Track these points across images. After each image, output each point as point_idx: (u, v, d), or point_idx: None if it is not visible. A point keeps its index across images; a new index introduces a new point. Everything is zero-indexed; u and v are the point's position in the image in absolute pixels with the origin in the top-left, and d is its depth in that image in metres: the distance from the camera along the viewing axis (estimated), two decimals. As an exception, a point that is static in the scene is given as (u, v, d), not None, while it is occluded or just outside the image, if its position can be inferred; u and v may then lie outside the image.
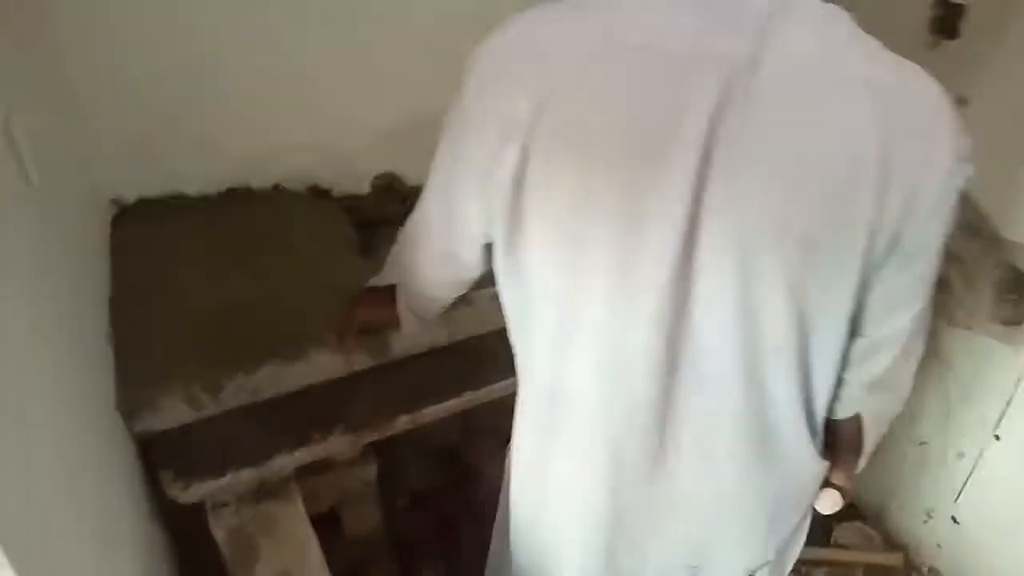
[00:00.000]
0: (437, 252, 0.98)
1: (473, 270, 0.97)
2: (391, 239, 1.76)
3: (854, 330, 0.83)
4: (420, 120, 1.95)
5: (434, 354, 1.51)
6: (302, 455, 1.34)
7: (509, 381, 1.49)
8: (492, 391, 1.49)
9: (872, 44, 0.71)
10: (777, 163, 0.70)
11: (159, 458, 1.28)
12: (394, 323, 1.21)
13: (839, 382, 0.90)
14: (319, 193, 1.94)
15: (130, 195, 1.75)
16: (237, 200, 1.83)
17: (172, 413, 1.27)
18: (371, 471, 1.59)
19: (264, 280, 1.55)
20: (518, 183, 0.77)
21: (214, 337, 1.36)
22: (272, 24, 1.67)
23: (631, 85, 0.71)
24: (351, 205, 1.96)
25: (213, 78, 1.68)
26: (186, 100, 1.68)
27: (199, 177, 1.80)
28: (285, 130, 1.82)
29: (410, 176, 2.04)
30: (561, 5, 0.76)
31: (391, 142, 1.97)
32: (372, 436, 1.41)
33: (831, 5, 0.71)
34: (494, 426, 1.50)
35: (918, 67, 0.72)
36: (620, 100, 0.71)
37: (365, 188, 2.01)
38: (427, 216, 0.97)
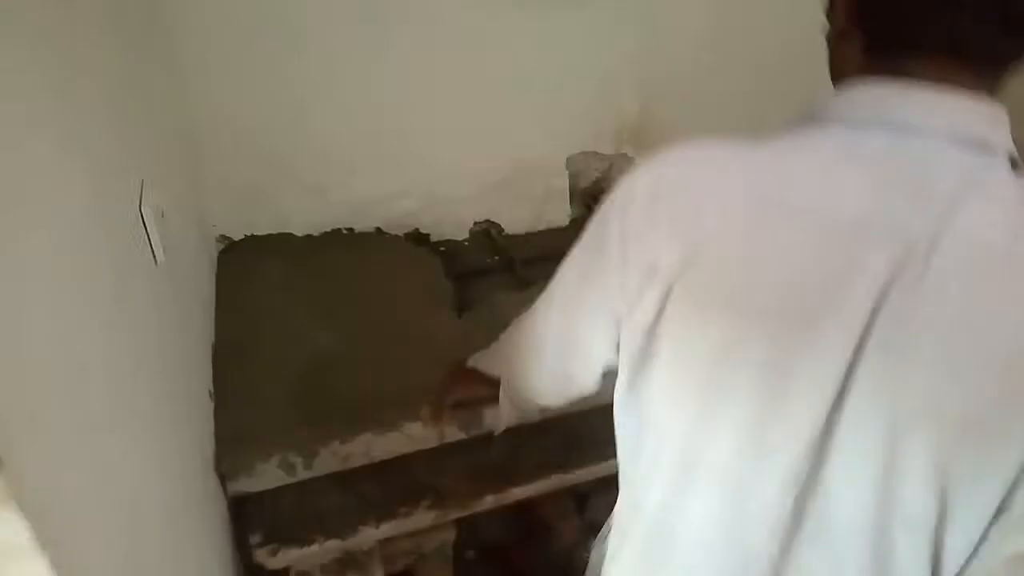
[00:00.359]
0: (550, 370, 0.94)
1: (588, 390, 0.93)
2: (486, 294, 1.76)
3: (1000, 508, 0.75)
4: (520, 170, 1.93)
5: (526, 430, 1.47)
6: (387, 529, 1.33)
7: (600, 466, 1.46)
8: (583, 474, 1.45)
9: None
10: (944, 346, 0.64)
11: (249, 521, 1.29)
12: (490, 402, 1.18)
13: (975, 553, 0.82)
14: (419, 238, 1.93)
15: (237, 233, 1.78)
16: (339, 242, 1.85)
17: (267, 477, 1.28)
18: (451, 534, 1.57)
19: (360, 332, 1.55)
20: (653, 329, 0.73)
21: (311, 397, 1.37)
22: (380, 76, 1.67)
23: (791, 246, 0.66)
24: (449, 251, 1.95)
25: (325, 126, 1.70)
26: (298, 146, 1.70)
27: (305, 218, 1.82)
28: (389, 177, 1.83)
29: (508, 224, 2.02)
30: (727, 145, 0.72)
31: (491, 191, 1.95)
32: (457, 513, 1.38)
33: (1012, 176, 0.64)
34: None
35: None
36: (777, 261, 0.66)
37: (464, 234, 1.99)
38: (544, 333, 0.93)
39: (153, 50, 1.36)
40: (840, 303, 0.65)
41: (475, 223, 2.00)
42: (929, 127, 0.62)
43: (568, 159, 1.97)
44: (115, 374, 0.79)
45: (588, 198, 2.06)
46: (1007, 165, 0.64)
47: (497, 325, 1.61)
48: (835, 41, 0.70)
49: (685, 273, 0.69)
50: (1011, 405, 0.65)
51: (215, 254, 1.73)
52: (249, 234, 1.79)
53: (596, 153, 1.99)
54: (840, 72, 0.70)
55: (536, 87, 1.79)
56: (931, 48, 0.62)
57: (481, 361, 1.20)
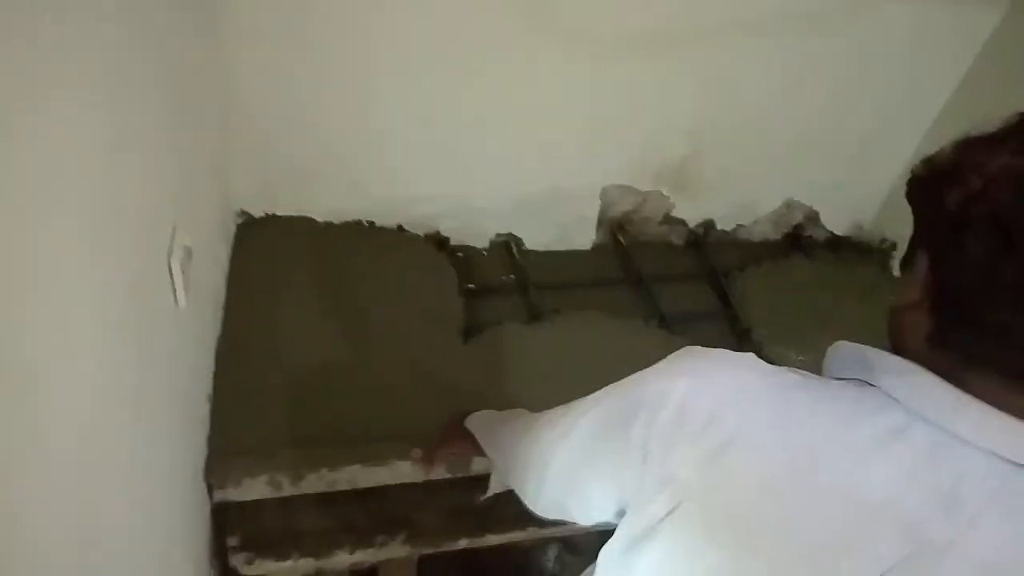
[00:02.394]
0: (547, 495, 0.95)
1: (581, 524, 0.94)
2: (495, 317, 1.75)
3: None
4: (554, 194, 1.90)
5: (510, 477, 1.49)
6: (361, 556, 1.36)
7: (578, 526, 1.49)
8: (558, 530, 1.48)
9: None
10: None
11: (230, 527, 1.32)
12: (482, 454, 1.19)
13: None
14: (439, 241, 1.91)
15: (258, 210, 1.75)
16: (359, 234, 1.82)
17: (253, 491, 1.30)
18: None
19: (366, 343, 1.55)
20: (656, 526, 0.74)
21: (306, 417, 1.38)
22: (433, 86, 1.62)
23: (803, 508, 0.65)
24: (466, 257, 1.93)
25: (367, 118, 1.65)
26: (335, 133, 1.66)
27: (329, 205, 1.79)
28: (421, 178, 1.79)
29: (529, 241, 1.99)
30: (769, 373, 0.70)
31: (519, 208, 1.92)
32: (430, 549, 1.42)
33: None
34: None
35: None
36: (786, 518, 0.66)
37: (484, 243, 1.97)
38: (549, 461, 0.93)
39: (196, 25, 1.30)
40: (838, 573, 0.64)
41: (497, 234, 1.97)
42: (976, 442, 0.61)
43: (603, 189, 1.93)
44: (124, 388, 0.80)
45: (615, 227, 2.03)
46: None
47: (501, 361, 1.63)
48: (903, 307, 0.67)
49: (698, 495, 0.68)
50: None
51: (233, 229, 1.71)
52: (270, 213, 1.77)
53: (632, 188, 1.95)
54: (899, 338, 0.68)
55: (584, 122, 1.75)
56: (1000, 370, 0.60)
57: (479, 433, 1.20)
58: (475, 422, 1.23)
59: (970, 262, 0.60)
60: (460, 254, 1.94)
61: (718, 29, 1.65)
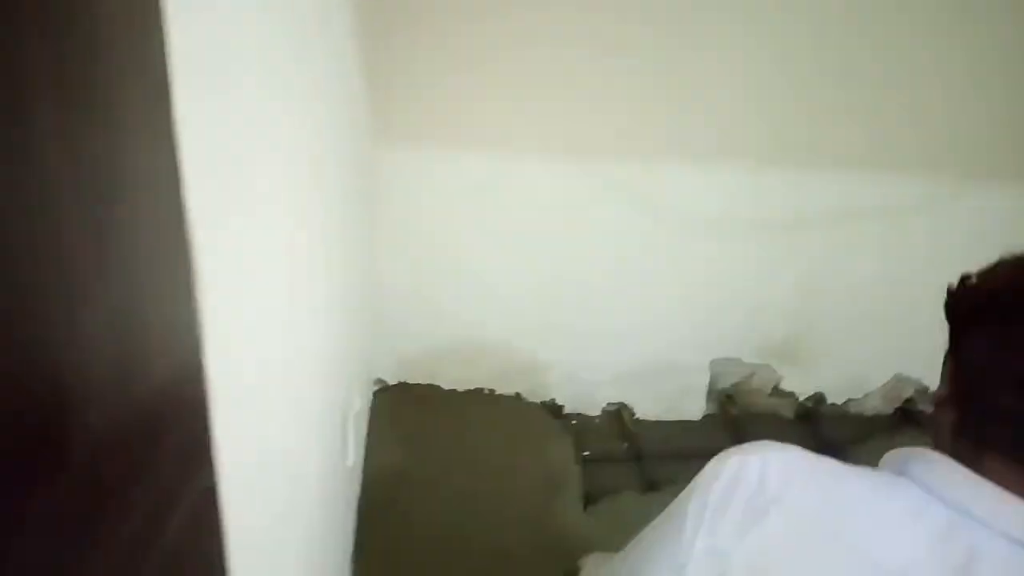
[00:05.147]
0: None
1: None
2: (612, 485, 1.80)
3: None
4: (661, 365, 2.00)
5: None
6: None
7: None
8: None
9: None
10: None
11: None
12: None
13: None
14: (554, 409, 2.02)
15: (392, 379, 1.93)
16: (481, 401, 1.95)
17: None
18: None
19: (489, 509, 1.63)
20: None
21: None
22: (559, 270, 1.80)
23: (828, 568, 0.68)
24: (580, 425, 2.02)
25: (487, 301, 1.84)
26: (457, 313, 1.85)
27: (455, 373, 1.95)
28: (535, 353, 1.93)
29: (640, 411, 2.07)
30: (814, 460, 0.75)
31: (629, 379, 2.02)
32: None
33: None
34: None
35: None
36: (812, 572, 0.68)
37: (596, 411, 2.06)
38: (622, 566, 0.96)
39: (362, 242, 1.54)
40: None
41: (608, 403, 2.06)
42: (990, 523, 0.64)
43: (712, 361, 2.02)
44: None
45: (724, 398, 2.09)
46: None
47: (621, 529, 1.66)
48: (937, 406, 0.73)
49: (740, 565, 0.71)
50: None
51: (370, 396, 1.88)
52: (402, 381, 1.93)
53: (739, 360, 2.03)
54: (936, 436, 0.73)
55: (693, 299, 1.88)
56: (1010, 452, 0.65)
57: None
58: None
59: (978, 354, 0.68)
60: (574, 421, 2.04)
61: (822, 218, 1.80)
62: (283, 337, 0.69)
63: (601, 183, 1.70)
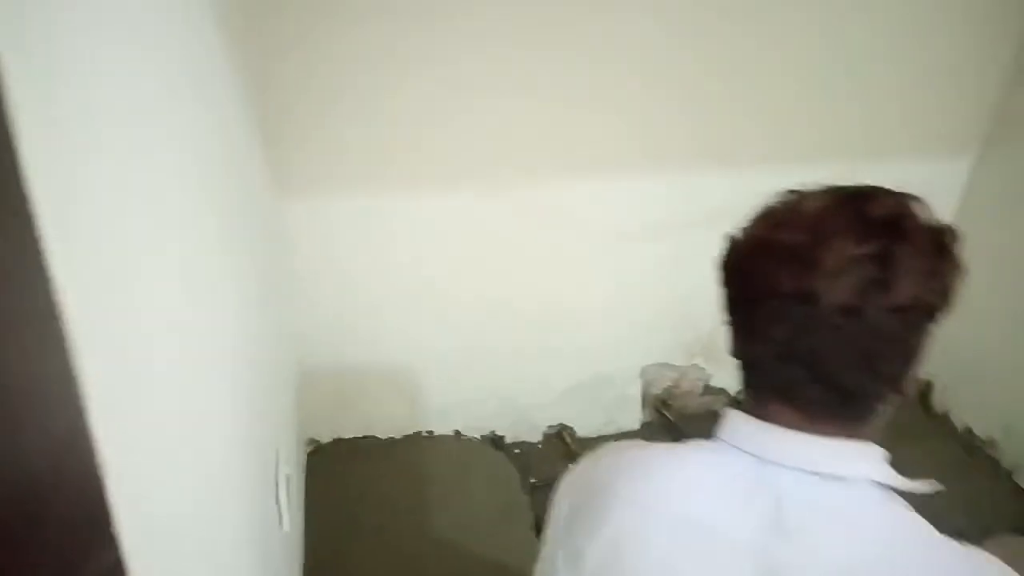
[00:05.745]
0: None
1: None
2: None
3: None
4: (594, 379, 2.01)
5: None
6: None
7: None
8: None
9: (925, 536, 0.66)
10: None
11: None
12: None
13: None
14: (495, 440, 2.00)
15: (326, 436, 1.87)
16: (421, 445, 1.92)
17: None
18: None
19: (441, 551, 1.59)
20: None
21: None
22: (473, 293, 1.80)
23: (671, 553, 0.70)
24: (523, 453, 2.00)
25: (417, 345, 1.82)
26: (384, 357, 1.82)
27: (390, 422, 1.90)
28: (471, 385, 1.92)
29: (580, 428, 2.07)
30: (647, 450, 0.77)
31: (565, 397, 2.02)
32: None
33: (882, 496, 0.68)
34: None
35: (992, 562, 0.65)
36: (662, 566, 0.70)
37: (538, 437, 2.05)
38: None
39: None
40: None
41: (549, 426, 2.06)
42: (784, 462, 0.67)
43: (643, 369, 2.04)
44: None
45: (659, 403, 2.11)
46: (870, 492, 0.67)
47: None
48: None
49: (594, 560, 0.73)
50: None
51: (304, 459, 1.81)
52: (337, 436, 1.88)
53: (669, 364, 2.06)
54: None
55: (618, 309, 1.90)
56: (783, 399, 0.68)
57: None
58: None
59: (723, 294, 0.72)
60: (517, 451, 2.02)
61: (737, 213, 1.85)
62: (183, 402, 0.66)
63: (512, 206, 1.71)
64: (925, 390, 2.21)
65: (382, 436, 1.91)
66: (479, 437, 1.99)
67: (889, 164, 1.85)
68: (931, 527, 0.67)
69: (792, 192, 0.69)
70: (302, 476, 1.74)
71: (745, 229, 0.70)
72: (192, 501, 0.65)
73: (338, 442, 1.88)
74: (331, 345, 1.76)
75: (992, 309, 1.90)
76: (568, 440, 2.05)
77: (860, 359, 0.64)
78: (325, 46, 1.44)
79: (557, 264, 1.82)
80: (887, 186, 0.67)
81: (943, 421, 2.06)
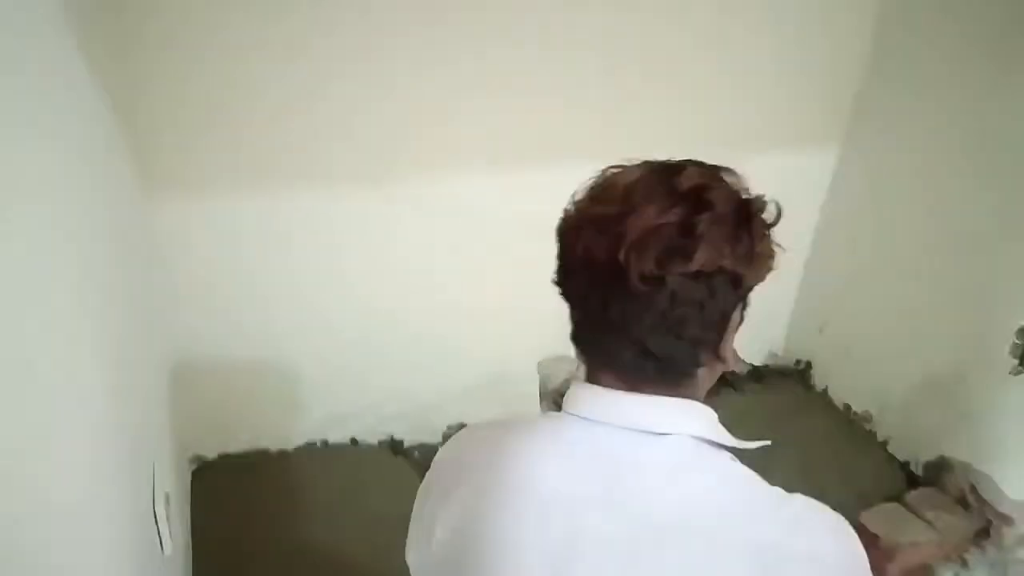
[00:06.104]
0: None
1: None
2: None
3: None
4: (492, 376, 2.00)
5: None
6: None
7: None
8: None
9: (757, 491, 0.69)
10: None
11: None
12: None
13: None
14: (394, 445, 1.94)
15: (211, 452, 1.76)
16: (315, 455, 1.84)
17: None
18: None
19: (338, 564, 1.53)
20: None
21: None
22: (364, 293, 1.74)
23: (508, 518, 0.70)
24: (422, 456, 1.96)
25: (299, 341, 1.74)
26: (271, 362, 1.73)
27: (279, 433, 1.82)
28: (364, 389, 1.86)
29: (481, 426, 2.05)
30: (494, 428, 0.78)
31: (463, 395, 2.00)
32: None
33: (707, 451, 0.71)
34: None
35: (826, 518, 0.68)
36: (501, 533, 0.71)
37: (437, 439, 2.01)
38: None
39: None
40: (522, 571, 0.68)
41: (448, 427, 2.02)
42: (615, 422, 0.70)
43: (539, 363, 2.04)
44: None
45: (558, 397, 2.12)
46: (694, 446, 0.70)
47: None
48: None
49: (446, 529, 0.73)
50: None
51: (188, 478, 1.70)
52: (223, 452, 1.77)
53: (566, 356, 2.07)
54: None
55: (512, 303, 1.88)
56: (603, 365, 0.71)
57: None
58: None
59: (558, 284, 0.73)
60: (416, 454, 1.97)
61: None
62: (24, 426, 0.59)
63: (398, 200, 1.66)
64: (805, 369, 2.32)
65: (272, 449, 1.82)
66: (377, 443, 1.93)
67: (766, 156, 1.94)
68: (756, 475, 0.69)
69: (613, 166, 0.71)
70: (187, 496, 1.63)
71: (572, 203, 0.72)
72: (55, 524, 0.59)
73: (225, 458, 1.77)
74: (214, 352, 1.66)
75: (865, 293, 2.02)
76: (468, 440, 2.02)
77: (666, 325, 0.66)
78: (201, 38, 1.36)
79: (453, 262, 1.79)
80: (701, 160, 0.70)
81: (822, 398, 2.17)
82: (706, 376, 0.74)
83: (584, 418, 0.71)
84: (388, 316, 1.80)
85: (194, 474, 1.72)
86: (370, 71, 1.50)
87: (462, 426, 1.99)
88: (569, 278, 0.72)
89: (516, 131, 1.67)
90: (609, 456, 0.69)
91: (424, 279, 1.79)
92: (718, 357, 0.71)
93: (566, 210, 0.72)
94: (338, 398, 1.85)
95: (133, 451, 0.96)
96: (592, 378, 0.72)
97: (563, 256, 0.72)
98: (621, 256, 0.64)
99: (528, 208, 1.81)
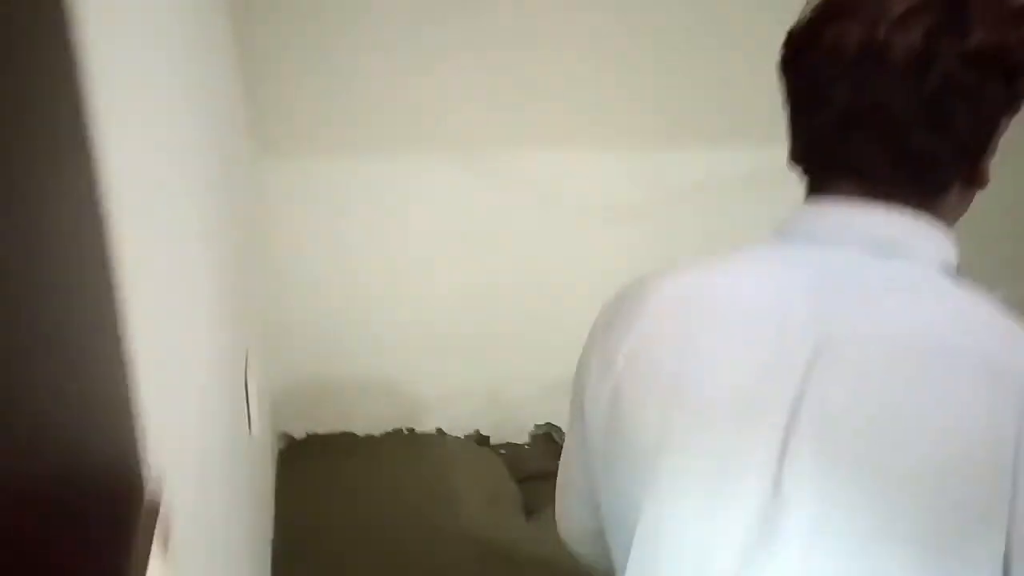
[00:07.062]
0: (580, 490, 0.88)
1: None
2: (554, 497, 1.67)
3: None
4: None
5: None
6: None
7: None
8: None
9: (985, 316, 0.62)
10: (864, 434, 0.61)
11: None
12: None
13: None
14: (479, 440, 1.89)
15: (300, 431, 1.75)
16: (401, 442, 1.80)
17: None
18: None
19: (429, 537, 1.46)
20: (609, 423, 0.73)
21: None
22: (451, 281, 1.74)
23: (715, 338, 0.67)
24: (510, 454, 1.89)
25: (392, 328, 1.74)
26: (364, 346, 1.73)
27: (368, 418, 1.80)
28: (452, 378, 1.83)
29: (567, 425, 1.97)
30: (689, 261, 0.75)
31: (552, 393, 1.92)
32: None
33: (939, 279, 0.64)
34: None
35: None
36: (703, 351, 0.67)
37: (524, 438, 1.94)
38: (568, 462, 0.92)
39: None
40: (766, 392, 0.64)
41: (536, 426, 1.96)
42: (847, 239, 0.64)
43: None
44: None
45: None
46: (929, 271, 0.64)
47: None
48: (792, 166, 0.72)
49: (627, 369, 0.70)
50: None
51: (276, 452, 1.69)
52: (312, 432, 1.76)
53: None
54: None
55: (608, 291, 1.85)
56: (843, 173, 0.65)
57: None
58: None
59: (797, 86, 0.68)
60: (503, 451, 1.91)
61: (725, 189, 1.82)
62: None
63: (499, 180, 1.68)
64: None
65: (360, 432, 1.80)
66: (463, 436, 1.88)
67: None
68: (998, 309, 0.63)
69: None
70: (273, 472, 1.61)
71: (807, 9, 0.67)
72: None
73: (313, 438, 1.76)
74: (307, 329, 1.68)
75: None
76: (557, 441, 1.95)
77: (931, 116, 0.60)
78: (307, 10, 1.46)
79: (546, 246, 1.77)
80: None
81: None
82: (957, 201, 0.67)
83: (808, 239, 0.66)
84: (476, 302, 1.78)
85: (280, 452, 1.71)
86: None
87: (550, 426, 1.95)
88: (806, 78, 0.66)
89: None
90: (836, 274, 0.63)
91: (520, 263, 1.77)
92: (975, 174, 0.65)
93: (799, 19, 0.68)
94: (428, 387, 1.82)
95: (233, 333, 0.97)
96: (820, 194, 0.67)
97: (799, 60, 0.67)
98: (880, 35, 0.59)
99: (621, 191, 1.76)
